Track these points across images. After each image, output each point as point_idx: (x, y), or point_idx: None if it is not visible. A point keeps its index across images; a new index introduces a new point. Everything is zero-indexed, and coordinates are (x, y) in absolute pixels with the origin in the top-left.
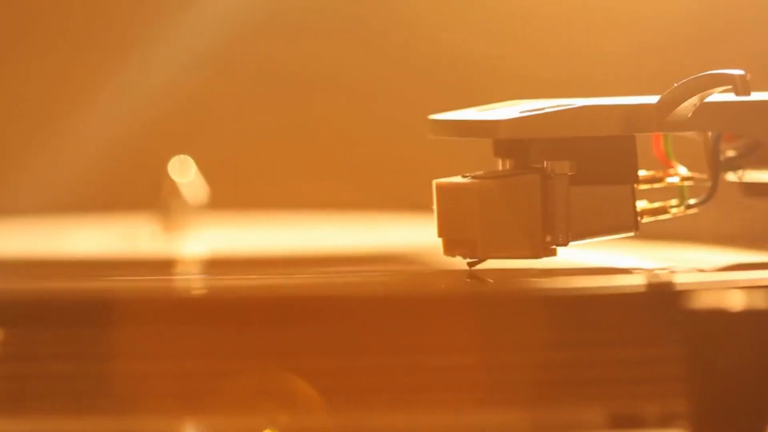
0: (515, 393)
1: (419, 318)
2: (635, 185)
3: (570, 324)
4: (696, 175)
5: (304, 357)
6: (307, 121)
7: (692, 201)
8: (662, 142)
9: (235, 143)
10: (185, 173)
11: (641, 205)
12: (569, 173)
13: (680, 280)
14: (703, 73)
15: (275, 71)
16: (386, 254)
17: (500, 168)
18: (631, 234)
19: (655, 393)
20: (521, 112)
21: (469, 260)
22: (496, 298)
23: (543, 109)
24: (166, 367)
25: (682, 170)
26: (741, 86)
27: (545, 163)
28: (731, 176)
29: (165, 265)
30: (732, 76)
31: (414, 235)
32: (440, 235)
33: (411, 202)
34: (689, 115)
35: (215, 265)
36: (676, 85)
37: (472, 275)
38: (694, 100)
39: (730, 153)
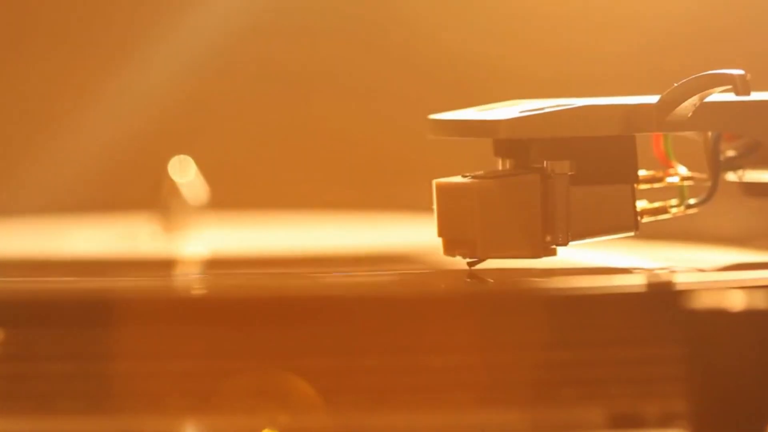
0: (515, 393)
1: (419, 318)
2: (635, 185)
3: (570, 324)
4: (696, 175)
5: (304, 357)
6: (307, 121)
7: (692, 201)
8: (662, 141)
9: (235, 143)
10: (185, 173)
11: (641, 204)
12: (569, 173)
13: (680, 279)
14: (703, 73)
15: (275, 71)
16: (386, 254)
17: (500, 168)
18: (631, 234)
19: (655, 393)
20: (521, 111)
21: (469, 260)
22: (496, 298)
23: (543, 109)
24: (166, 367)
25: (682, 170)
26: (741, 86)
27: (545, 162)
28: (731, 176)
29: (165, 265)
30: (732, 75)
31: (414, 235)
32: (440, 234)
33: (411, 202)
34: (689, 115)
35: (215, 265)
36: (676, 84)
37: (472, 275)
38: (694, 100)
39: (730, 153)
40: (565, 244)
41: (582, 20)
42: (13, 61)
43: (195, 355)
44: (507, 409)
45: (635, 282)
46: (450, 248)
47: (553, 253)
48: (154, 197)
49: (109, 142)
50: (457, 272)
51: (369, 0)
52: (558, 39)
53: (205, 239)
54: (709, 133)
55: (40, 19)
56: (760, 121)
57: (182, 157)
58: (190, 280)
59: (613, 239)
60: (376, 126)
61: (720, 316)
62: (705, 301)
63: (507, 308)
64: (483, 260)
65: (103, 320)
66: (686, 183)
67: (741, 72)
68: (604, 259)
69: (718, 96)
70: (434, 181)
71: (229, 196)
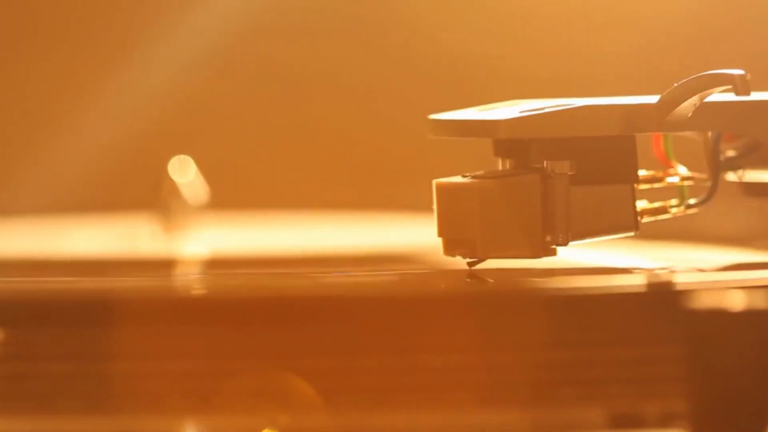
0: (515, 393)
1: (419, 318)
2: (635, 185)
3: (570, 324)
4: (696, 174)
5: (304, 357)
6: (307, 120)
7: (692, 201)
8: (662, 141)
9: (235, 143)
10: (185, 173)
11: (641, 204)
12: (569, 173)
13: (680, 279)
14: (703, 73)
15: (275, 71)
16: (386, 254)
17: (500, 168)
18: (631, 234)
19: (655, 393)
20: (521, 111)
21: (468, 260)
22: (496, 298)
23: (543, 109)
24: (166, 367)
25: (682, 170)
26: (741, 86)
27: (545, 162)
28: (731, 176)
29: (165, 265)
30: (732, 75)
31: (414, 235)
32: (440, 234)
33: (411, 202)
34: (689, 115)
35: (215, 265)
36: (676, 84)
37: (472, 275)
38: (694, 100)
39: (730, 153)
40: (565, 244)
41: (582, 20)
42: (13, 61)
43: (195, 355)
44: (507, 409)
45: (635, 282)
46: (450, 248)
47: (553, 253)
48: (154, 197)
49: (109, 142)
50: (457, 272)
51: (369, 0)
52: (558, 39)
53: (205, 239)
54: (709, 133)
55: (39, 19)
56: (760, 121)
57: (182, 157)
58: (190, 280)
59: (613, 239)
60: (376, 126)
61: (720, 316)
62: (705, 301)
63: (507, 308)
64: (483, 260)
65: (103, 320)
66: (686, 183)
67: (741, 72)
68: (604, 259)
69: (718, 96)
70: (434, 181)
71: (229, 196)
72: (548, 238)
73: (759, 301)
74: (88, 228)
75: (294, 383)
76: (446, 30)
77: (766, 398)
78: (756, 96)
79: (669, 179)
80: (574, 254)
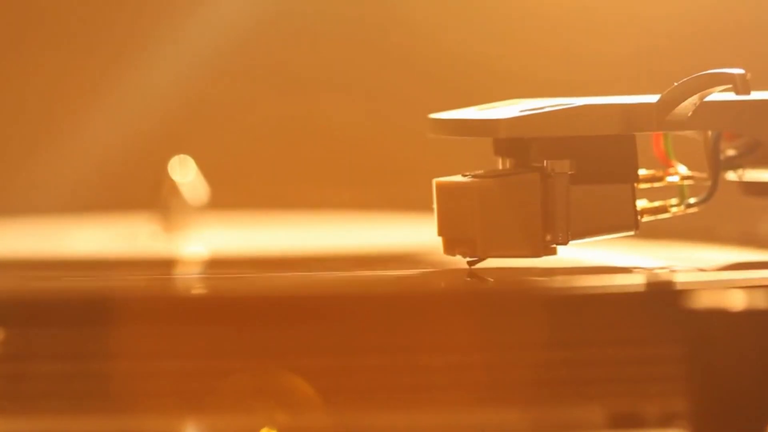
0: (515, 392)
1: (419, 317)
2: (635, 184)
3: (570, 323)
4: (696, 174)
5: (303, 357)
6: (307, 120)
7: (692, 200)
8: (662, 141)
9: (235, 143)
10: (185, 173)
11: (641, 204)
12: (569, 172)
13: (680, 279)
14: (703, 72)
15: (275, 71)
16: (386, 254)
17: (500, 167)
18: (631, 233)
19: (655, 393)
20: (521, 111)
21: (469, 259)
22: (496, 297)
23: (543, 108)
24: (166, 367)
25: (682, 169)
26: (741, 85)
27: (545, 162)
28: (731, 175)
29: (165, 265)
30: (732, 75)
31: (414, 235)
32: (440, 234)
33: (411, 202)
34: (689, 114)
35: (215, 265)
36: (676, 84)
37: (472, 274)
38: (694, 99)
39: (730, 152)
40: (565, 243)
41: (582, 20)
42: (14, 61)
43: (195, 354)
44: (507, 408)
45: (635, 281)
46: (450, 247)
47: (553, 252)
48: (154, 197)
49: (109, 142)
50: (457, 271)
51: (369, 0)
52: (558, 39)
53: (205, 239)
54: (709, 133)
55: (41, 20)
56: (760, 120)
57: (182, 157)
58: (190, 280)
59: (613, 238)
60: (376, 126)
61: (720, 315)
62: (705, 301)
63: (507, 307)
64: (483, 259)
65: (103, 320)
66: (686, 182)
67: (741, 71)
68: (604, 259)
69: (718, 95)
70: (434, 180)
71: (229, 196)
72: (548, 238)
73: (759, 301)
74: (88, 228)
75: (293, 383)
76: (446, 30)
77: (766, 398)
78: (756, 95)
79: (669, 178)
80: (574, 253)
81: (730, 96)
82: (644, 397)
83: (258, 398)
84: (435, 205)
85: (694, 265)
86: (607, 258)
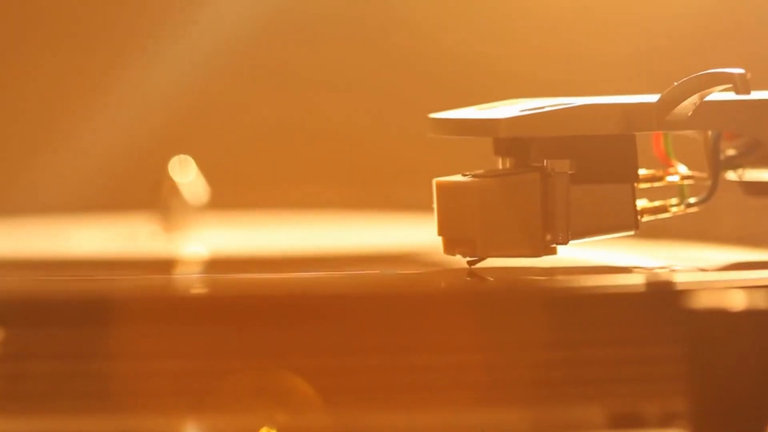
0: (515, 392)
1: (419, 317)
2: (635, 184)
3: (570, 323)
4: (696, 173)
5: (303, 356)
6: (307, 120)
7: (692, 200)
8: (662, 140)
9: (235, 143)
10: (185, 173)
11: (641, 203)
12: (569, 172)
13: (680, 279)
14: (703, 72)
15: (275, 71)
16: (386, 254)
17: (500, 167)
18: (631, 233)
19: (655, 392)
20: (521, 110)
21: (469, 259)
22: (496, 297)
23: (543, 107)
24: (166, 367)
25: (682, 169)
26: (741, 85)
27: (545, 161)
28: (731, 175)
29: (165, 265)
30: (732, 74)
31: (414, 235)
32: (440, 233)
33: (411, 202)
34: (689, 114)
35: (215, 265)
36: (676, 83)
37: (472, 274)
38: (694, 99)
39: (730, 152)
40: (565, 242)
41: (582, 21)
42: (15, 62)
43: (195, 354)
44: (507, 408)
45: (635, 281)
46: (450, 247)
47: (553, 251)
48: (154, 197)
49: (109, 142)
50: (457, 271)
51: (369, 1)
52: (558, 39)
53: (205, 239)
54: (709, 132)
55: (41, 21)
56: (760, 120)
57: (182, 157)
58: (190, 280)
59: (613, 238)
60: (376, 126)
61: (720, 315)
62: (705, 301)
63: (507, 307)
64: (483, 259)
65: (103, 320)
66: (686, 182)
67: (741, 71)
68: (604, 258)
69: (718, 95)
70: (434, 180)
71: (229, 196)
72: (548, 237)
73: (759, 301)
74: (88, 228)
75: (293, 382)
76: (446, 30)
77: (766, 398)
78: (756, 95)
79: (669, 178)
80: (574, 253)
81: (730, 96)
82: (644, 397)
83: (258, 398)
84: (435, 205)
85: (694, 265)
86: (607, 258)
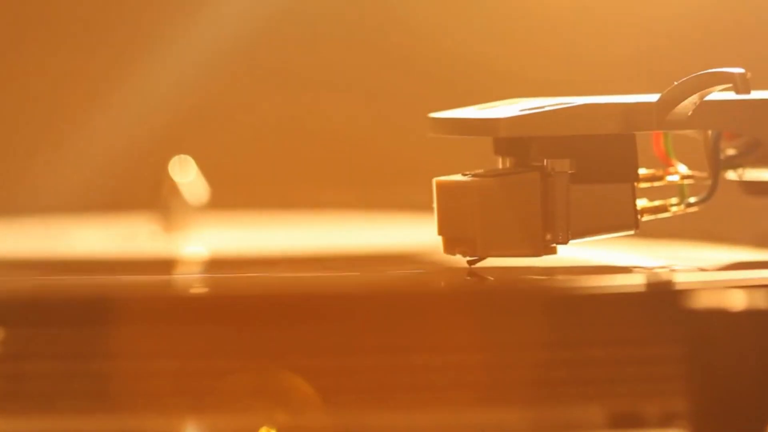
0: (515, 392)
1: (419, 317)
2: (635, 183)
3: (570, 323)
4: (696, 173)
5: (303, 356)
6: (307, 120)
7: (692, 199)
8: (662, 140)
9: (235, 143)
10: (185, 173)
11: (641, 203)
12: (569, 171)
13: (680, 278)
14: (703, 72)
15: (275, 71)
16: (386, 254)
17: (500, 166)
18: (632, 232)
19: (655, 392)
20: (521, 110)
21: (469, 258)
22: (496, 297)
23: (543, 107)
24: (166, 367)
25: (683, 168)
26: (741, 84)
27: (545, 161)
28: (731, 175)
29: (165, 265)
30: (732, 74)
31: (414, 235)
32: (440, 233)
33: (411, 202)
34: (689, 114)
35: (215, 265)
36: (676, 83)
37: (472, 273)
38: (694, 99)
39: (731, 151)
40: (565, 242)
41: (582, 21)
42: (15, 62)
43: (195, 354)
44: (507, 408)
45: (635, 281)
46: (450, 247)
47: (553, 251)
48: (154, 197)
49: (109, 142)
50: (457, 271)
51: (369, 1)
52: (558, 39)
53: (205, 239)
54: (710, 132)
55: (42, 21)
56: (760, 119)
57: (182, 157)
58: (190, 280)
59: (613, 238)
60: (376, 126)
61: (720, 315)
62: (705, 300)
63: (507, 307)
64: (483, 259)
65: (103, 320)
66: (686, 181)
67: (741, 70)
68: (604, 258)
69: (718, 94)
70: (434, 180)
71: (229, 196)
72: (548, 237)
73: (759, 301)
74: (88, 228)
75: (293, 383)
76: (446, 30)
77: (766, 398)
78: (756, 95)
79: (669, 178)
80: (574, 253)
81: (730, 95)
82: (644, 397)
83: (258, 398)
84: (435, 205)
85: (694, 264)
86: (607, 258)
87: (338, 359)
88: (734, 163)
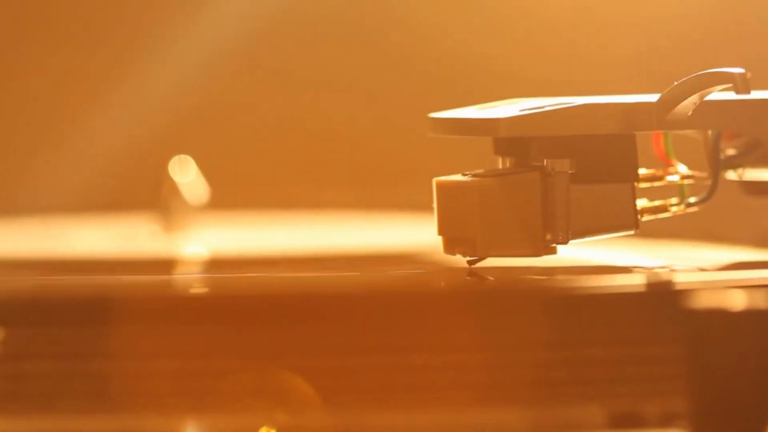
0: (515, 392)
1: (419, 316)
2: (635, 183)
3: (570, 323)
4: (696, 173)
5: (303, 356)
6: (307, 120)
7: (692, 199)
8: (662, 140)
9: (235, 143)
10: (185, 173)
11: (641, 203)
12: (569, 171)
13: (680, 278)
14: (703, 72)
15: (275, 71)
16: (386, 254)
17: (500, 166)
18: (631, 232)
19: (655, 392)
20: (521, 110)
21: (469, 258)
22: (496, 297)
23: (543, 107)
24: (166, 367)
25: (682, 168)
26: (741, 84)
27: (545, 161)
28: (731, 175)
29: (165, 265)
30: (732, 74)
31: (414, 235)
32: (440, 233)
33: (411, 202)
34: (689, 114)
35: (215, 265)
36: (676, 83)
37: (472, 273)
38: (694, 99)
39: (731, 151)
40: (565, 242)
41: (582, 20)
42: (15, 62)
43: (195, 354)
44: (507, 408)
45: (635, 281)
46: (450, 247)
47: (553, 251)
48: (154, 197)
49: (109, 142)
50: (457, 270)
51: (369, 1)
52: (558, 39)
53: (205, 239)
54: (710, 132)
55: (42, 21)
56: (761, 119)
57: (182, 157)
58: (190, 280)
59: (613, 238)
60: (376, 126)
61: (720, 315)
62: (705, 300)
63: (507, 307)
64: (483, 258)
65: (103, 320)
66: (686, 181)
67: (741, 70)
68: (604, 258)
69: (718, 94)
70: (434, 180)
71: (229, 196)
72: (548, 237)
73: (759, 301)
74: (88, 228)
75: (293, 383)
76: (446, 30)
77: (766, 398)
78: (756, 95)
79: (669, 178)
80: (574, 253)
81: (730, 95)
82: (644, 397)
83: (258, 398)
84: (435, 205)
85: (694, 264)
86: (607, 258)
87: (338, 359)
88: (734, 163)
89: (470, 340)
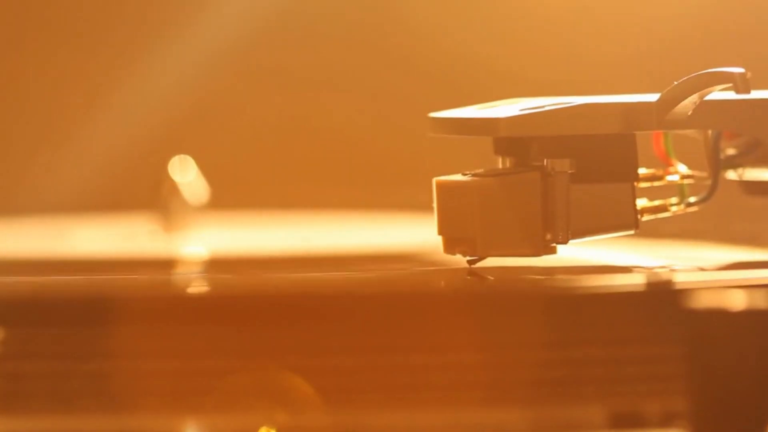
0: (515, 392)
1: (419, 316)
2: (635, 183)
3: (570, 322)
4: (696, 173)
5: (304, 356)
6: (307, 120)
7: (692, 199)
8: (662, 140)
9: (235, 143)
10: (185, 173)
11: (641, 203)
12: (569, 171)
13: (680, 278)
14: (703, 72)
15: (275, 71)
16: (386, 254)
17: (500, 166)
18: (631, 232)
19: (655, 392)
20: (521, 109)
21: (469, 258)
22: (495, 297)
23: (543, 106)
24: (166, 366)
25: (682, 168)
26: (741, 84)
27: (545, 161)
28: (731, 174)
29: (165, 265)
30: (732, 74)
31: (414, 234)
32: (440, 233)
33: (411, 202)
34: (689, 113)
35: (215, 265)
36: (676, 83)
37: (472, 273)
38: (694, 98)
39: (731, 151)
40: (565, 242)
41: (582, 21)
42: (15, 62)
43: (195, 354)
44: (507, 408)
45: (635, 280)
46: (450, 246)
47: (553, 251)
48: (154, 197)
49: (109, 142)
50: (457, 270)
51: (369, 1)
52: (558, 39)
53: (205, 239)
54: (710, 132)
55: (42, 21)
56: (760, 119)
57: (182, 157)
58: (189, 280)
59: (613, 237)
60: (376, 126)
61: (720, 315)
62: (705, 300)
63: (507, 306)
64: (483, 258)
65: (103, 320)
66: (686, 181)
67: (741, 70)
68: (604, 258)
69: (718, 94)
70: (434, 179)
71: (229, 196)
72: (548, 237)
73: (759, 301)
74: (88, 228)
75: (293, 383)
76: (446, 30)
77: (766, 398)
78: (756, 94)
79: (669, 177)
80: (574, 253)
81: (731, 95)
82: (644, 397)
83: (258, 398)
84: (435, 204)
85: (694, 264)
86: (607, 257)
87: (338, 359)
88: (734, 163)
89: (470, 339)
